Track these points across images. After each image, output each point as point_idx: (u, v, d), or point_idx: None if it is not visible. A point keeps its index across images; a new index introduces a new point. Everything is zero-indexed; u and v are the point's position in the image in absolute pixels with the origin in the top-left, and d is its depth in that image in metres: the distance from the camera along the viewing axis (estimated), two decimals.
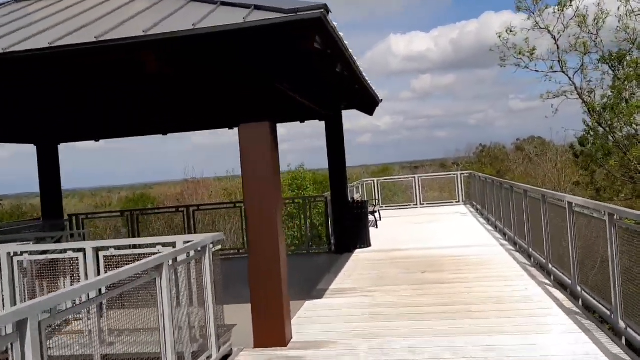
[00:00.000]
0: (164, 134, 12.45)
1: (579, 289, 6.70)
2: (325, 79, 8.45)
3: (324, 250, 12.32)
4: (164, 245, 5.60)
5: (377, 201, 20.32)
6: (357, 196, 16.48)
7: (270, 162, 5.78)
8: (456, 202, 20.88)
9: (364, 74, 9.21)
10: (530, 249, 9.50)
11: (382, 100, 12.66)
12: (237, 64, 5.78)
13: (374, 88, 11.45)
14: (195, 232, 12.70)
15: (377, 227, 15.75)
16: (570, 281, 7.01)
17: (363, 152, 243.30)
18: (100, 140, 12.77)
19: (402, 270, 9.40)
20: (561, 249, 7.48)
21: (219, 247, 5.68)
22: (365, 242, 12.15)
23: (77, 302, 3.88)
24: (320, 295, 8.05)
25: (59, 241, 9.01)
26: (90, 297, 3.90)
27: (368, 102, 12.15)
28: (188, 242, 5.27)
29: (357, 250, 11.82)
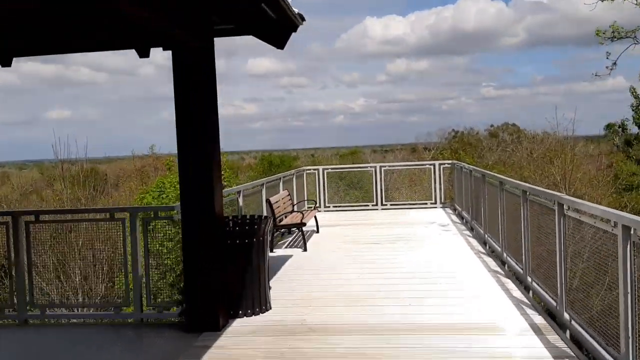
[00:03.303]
0: None
1: None
2: None
3: (173, 318, 6.08)
4: None
5: (318, 202, 14.10)
6: (278, 197, 10.26)
7: None
8: (432, 203, 14.80)
9: None
10: None
11: (304, 21, 6.44)
12: None
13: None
14: None
15: (305, 250, 9.61)
16: None
17: (336, 134, 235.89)
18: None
19: None
20: None
21: None
22: (254, 305, 5.97)
23: None
24: None
25: None
26: None
27: (272, 22, 5.89)
28: None
29: (233, 326, 5.65)
